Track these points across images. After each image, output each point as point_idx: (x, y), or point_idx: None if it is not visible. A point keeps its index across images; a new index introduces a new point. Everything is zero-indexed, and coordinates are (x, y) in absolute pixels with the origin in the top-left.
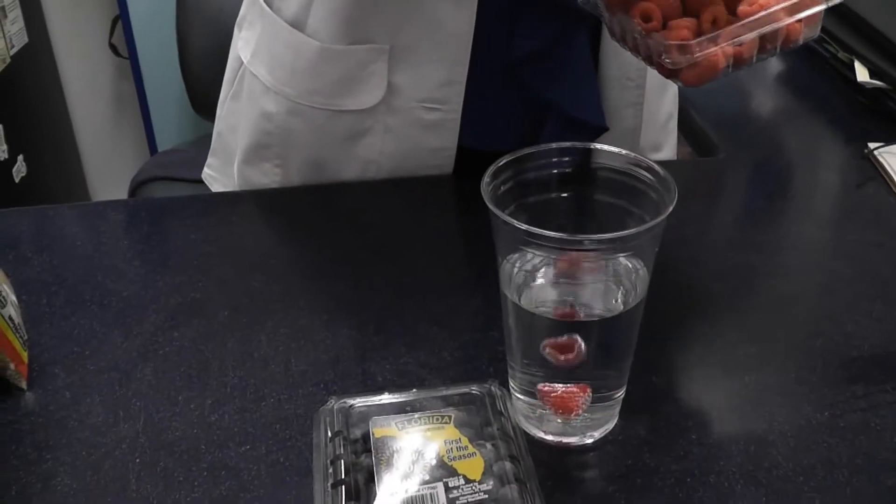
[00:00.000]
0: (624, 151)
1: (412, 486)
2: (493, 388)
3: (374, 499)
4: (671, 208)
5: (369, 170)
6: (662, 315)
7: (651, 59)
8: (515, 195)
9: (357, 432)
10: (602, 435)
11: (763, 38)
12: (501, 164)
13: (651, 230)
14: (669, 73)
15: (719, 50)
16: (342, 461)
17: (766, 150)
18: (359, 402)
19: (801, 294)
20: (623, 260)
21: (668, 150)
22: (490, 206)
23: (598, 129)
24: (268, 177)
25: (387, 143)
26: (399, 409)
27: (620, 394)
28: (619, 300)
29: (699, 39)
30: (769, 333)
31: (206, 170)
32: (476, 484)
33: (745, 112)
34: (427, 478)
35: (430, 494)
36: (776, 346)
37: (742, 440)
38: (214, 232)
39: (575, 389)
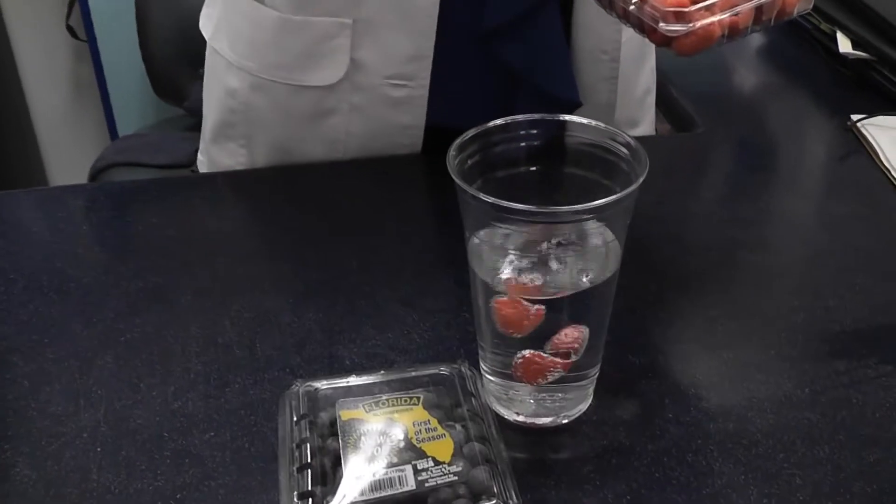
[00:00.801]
0: (594, 123)
1: (379, 469)
2: (463, 368)
3: (340, 482)
4: (642, 179)
5: (336, 150)
6: (640, 292)
7: (643, 28)
8: (483, 169)
9: (323, 416)
10: (576, 415)
11: (759, 9)
12: (468, 137)
13: (622, 201)
14: (663, 42)
15: (716, 19)
16: (308, 445)
17: (747, 125)
18: (325, 385)
19: (783, 268)
20: (594, 233)
21: (646, 126)
22: (456, 180)
23: (572, 105)
24: (233, 157)
25: (353, 122)
26: (366, 391)
27: (595, 372)
28: (590, 275)
29: (697, 7)
30: (750, 309)
31: (199, 155)
32: (445, 466)
33: (725, 87)
34: (395, 460)
35: (399, 477)
36: (757, 322)
37: (720, 417)
38: (176, 215)
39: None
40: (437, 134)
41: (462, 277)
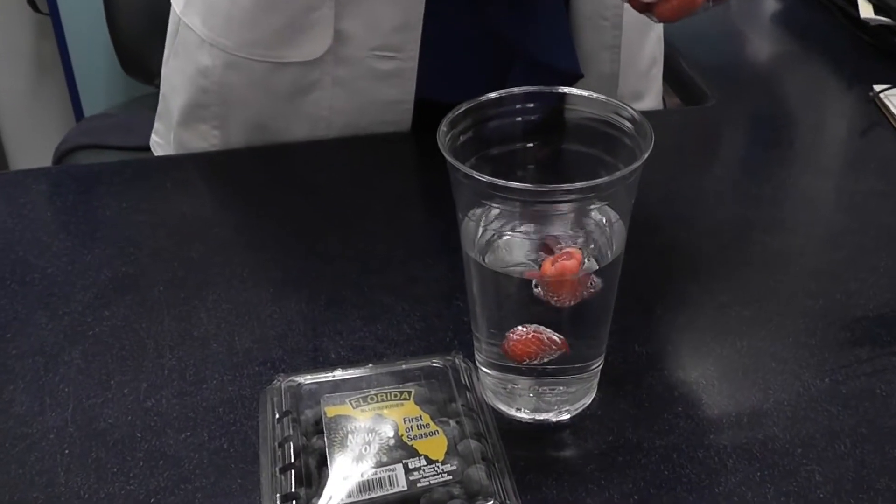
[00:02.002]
0: (595, 96)
1: (368, 469)
2: (457, 360)
3: (326, 483)
4: (647, 154)
5: (318, 128)
6: (646, 277)
7: None
8: (476, 146)
9: (308, 413)
10: (579, 410)
11: None
12: (460, 111)
13: (625, 178)
14: (643, 7)
15: None
16: (291, 444)
17: (760, 97)
18: (309, 379)
19: (800, 250)
20: (596, 213)
21: (652, 99)
22: (448, 157)
23: (572, 76)
24: (206, 140)
25: (337, 97)
26: (353, 386)
27: (598, 364)
28: (593, 258)
29: None
30: (764, 294)
31: (152, 136)
32: (439, 464)
33: (737, 57)
34: (385, 459)
35: (388, 477)
36: (772, 308)
37: (734, 411)
38: (147, 200)
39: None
40: (428, 110)
41: (455, 263)
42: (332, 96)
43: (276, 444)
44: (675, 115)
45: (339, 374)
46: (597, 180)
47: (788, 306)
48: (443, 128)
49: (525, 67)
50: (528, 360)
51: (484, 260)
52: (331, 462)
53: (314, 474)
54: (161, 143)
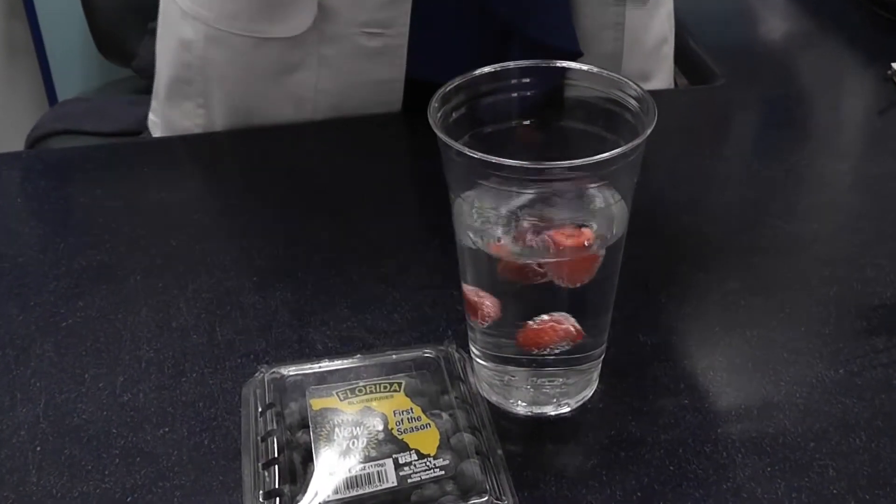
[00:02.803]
0: (595, 69)
1: (356, 464)
2: (450, 350)
3: (311, 479)
4: (650, 130)
5: (304, 110)
6: (650, 264)
7: None
8: (470, 123)
9: (292, 405)
10: (579, 403)
11: None
12: (452, 86)
13: (626, 156)
14: None
15: None
16: (274, 438)
17: (772, 76)
18: (293, 371)
19: (814, 235)
20: (596, 193)
21: (661, 80)
22: (439, 134)
23: (571, 55)
24: (190, 118)
25: (323, 77)
26: (341, 377)
27: (600, 354)
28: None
29: None
30: (775, 282)
31: (149, 115)
32: (431, 459)
33: (748, 34)
34: (374, 454)
35: (378, 472)
36: (783, 296)
37: (743, 404)
38: (124, 185)
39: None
40: (419, 90)
41: (448, 250)
42: (318, 76)
43: (259, 438)
44: (682, 95)
45: (325, 366)
46: (596, 157)
47: (801, 294)
48: (434, 103)
49: (521, 46)
50: (536, 350)
51: (476, 244)
52: (316, 457)
53: (299, 470)
54: (157, 121)
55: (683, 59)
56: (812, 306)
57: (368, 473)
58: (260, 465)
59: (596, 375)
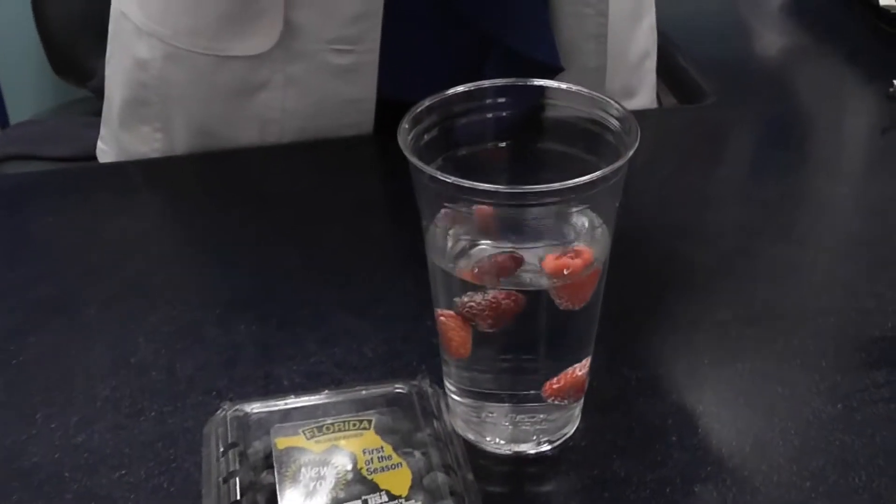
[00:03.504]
0: (574, 88)
1: None
2: (423, 385)
3: None
4: (632, 152)
5: (270, 132)
6: (636, 292)
7: None
8: (443, 146)
9: (256, 444)
10: (561, 441)
11: None
12: (424, 107)
13: (607, 179)
14: None
15: None
16: (237, 479)
17: (767, 94)
18: (257, 408)
19: (811, 262)
20: (577, 218)
21: (645, 95)
22: (410, 157)
23: (552, 70)
24: (147, 143)
25: (290, 97)
26: (307, 414)
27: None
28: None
29: None
30: (769, 311)
31: (98, 143)
32: (402, 501)
33: (741, 50)
34: (342, 495)
35: None
36: (778, 327)
37: (734, 440)
38: (79, 213)
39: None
40: (391, 110)
41: (423, 278)
42: (285, 97)
43: (221, 479)
44: (670, 115)
45: (291, 402)
46: (576, 180)
47: (797, 324)
48: (405, 125)
49: (500, 61)
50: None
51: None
52: (281, 499)
53: None
54: (107, 150)
55: (671, 76)
56: (808, 337)
57: None
58: None
59: (578, 411)
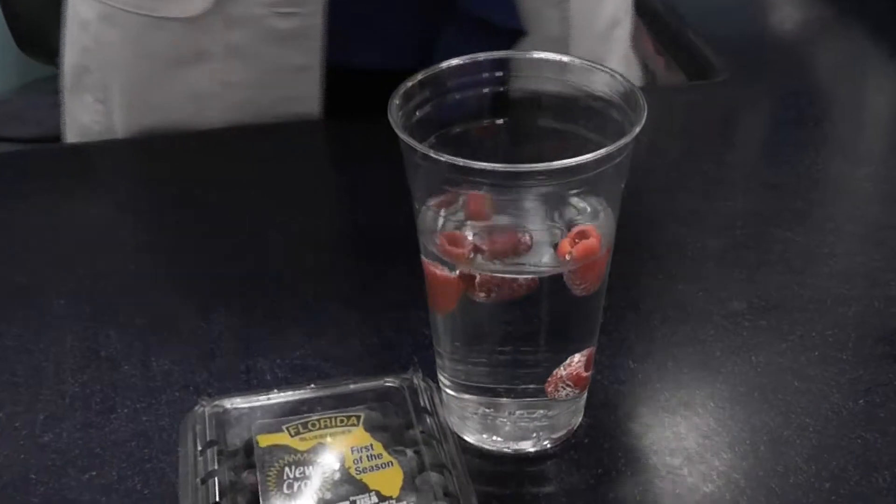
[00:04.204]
0: (577, 61)
1: None
2: (415, 380)
3: None
4: (638, 129)
5: (209, 107)
6: (644, 281)
7: None
8: (435, 124)
9: (237, 442)
10: (563, 437)
11: None
12: (416, 81)
13: (612, 157)
14: None
15: None
16: (216, 479)
17: (783, 70)
18: (238, 403)
19: (830, 248)
20: (579, 201)
21: (614, 65)
22: (401, 135)
23: (513, 34)
24: (89, 113)
25: (230, 68)
26: (292, 410)
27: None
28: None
29: None
30: (785, 300)
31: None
32: (393, 501)
33: (756, 25)
34: (328, 496)
35: None
36: (794, 317)
37: (748, 438)
38: (46, 197)
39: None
40: (343, 82)
41: (415, 266)
42: (226, 69)
43: (199, 480)
44: (678, 93)
45: (274, 397)
46: (577, 159)
47: (815, 315)
48: (395, 101)
49: (456, 25)
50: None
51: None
52: (263, 501)
53: None
54: (64, 118)
55: (680, 51)
56: (827, 328)
57: None
58: None
59: (581, 407)
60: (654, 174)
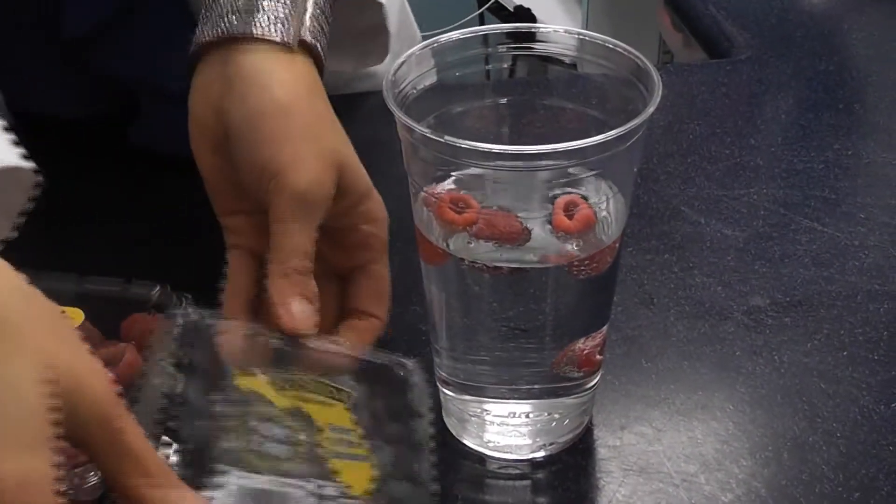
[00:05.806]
0: (587, 36)
1: (263, 475)
2: (415, 373)
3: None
4: (652, 109)
5: None
6: (657, 275)
7: None
8: (433, 103)
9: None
10: (567, 443)
11: None
12: (413, 56)
13: (624, 139)
14: None
15: None
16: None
17: (810, 48)
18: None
19: (860, 241)
20: (588, 185)
21: None
22: (397, 114)
23: None
24: None
25: None
26: (279, 355)
27: (592, 384)
28: (584, 242)
29: None
30: (811, 296)
31: None
32: (355, 500)
33: (783, 0)
34: (293, 469)
35: (281, 494)
36: (821, 313)
37: (770, 444)
38: None
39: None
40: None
41: (411, 258)
42: None
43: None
44: (696, 70)
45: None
46: (586, 140)
47: (843, 312)
48: (390, 77)
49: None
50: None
51: (448, 248)
52: (221, 440)
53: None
54: None
55: (698, 26)
56: (856, 327)
57: (268, 490)
58: None
59: (588, 409)
60: (671, 158)
